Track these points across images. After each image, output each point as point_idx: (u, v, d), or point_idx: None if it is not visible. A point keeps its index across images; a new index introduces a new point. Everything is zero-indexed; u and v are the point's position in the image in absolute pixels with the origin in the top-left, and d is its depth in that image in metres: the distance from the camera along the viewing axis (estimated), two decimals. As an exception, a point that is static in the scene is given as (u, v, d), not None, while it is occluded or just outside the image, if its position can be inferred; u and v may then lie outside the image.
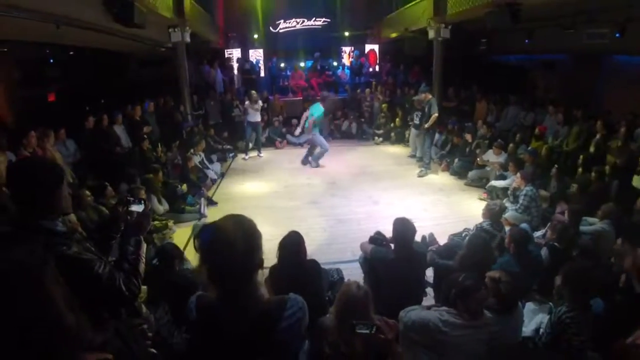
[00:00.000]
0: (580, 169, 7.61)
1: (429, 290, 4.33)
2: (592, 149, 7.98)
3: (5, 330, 1.13)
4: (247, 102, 11.08)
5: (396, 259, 3.77)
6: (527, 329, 3.49)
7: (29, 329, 1.15)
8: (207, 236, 1.52)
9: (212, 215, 7.14)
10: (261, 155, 11.50)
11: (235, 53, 17.55)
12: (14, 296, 1.15)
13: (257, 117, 11.14)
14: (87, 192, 5.72)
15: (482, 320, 2.80)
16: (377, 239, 4.13)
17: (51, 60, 13.13)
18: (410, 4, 13.71)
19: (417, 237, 4.26)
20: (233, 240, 1.49)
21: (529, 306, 3.77)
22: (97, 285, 1.93)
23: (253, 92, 11.36)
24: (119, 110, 9.21)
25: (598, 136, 7.99)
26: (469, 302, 2.72)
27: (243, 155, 11.25)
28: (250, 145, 11.63)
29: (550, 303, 3.72)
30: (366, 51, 18.14)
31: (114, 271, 2.02)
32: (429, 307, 3.13)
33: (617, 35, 8.13)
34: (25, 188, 1.91)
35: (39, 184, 1.91)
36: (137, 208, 2.37)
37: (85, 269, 1.91)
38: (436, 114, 9.07)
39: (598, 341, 3.03)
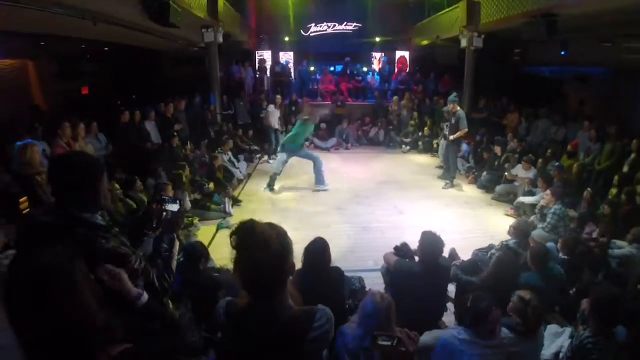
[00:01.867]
0: (614, 190, 7.34)
1: (450, 306, 4.28)
2: (625, 169, 7.75)
3: (37, 330, 1.17)
4: (271, 106, 11.12)
5: (421, 272, 3.73)
6: (547, 352, 3.43)
7: (60, 329, 1.19)
8: (244, 233, 1.55)
9: (237, 214, 7.24)
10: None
11: (266, 55, 17.71)
12: (45, 297, 1.18)
13: (277, 123, 11.24)
14: (117, 186, 5.84)
15: (499, 339, 2.78)
16: (401, 250, 4.10)
17: (87, 56, 13.47)
18: (443, 12, 13.64)
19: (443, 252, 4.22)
20: (268, 240, 1.52)
21: (551, 329, 3.68)
22: (132, 279, 1.99)
23: (278, 96, 11.49)
24: (151, 107, 9.39)
25: (633, 156, 7.76)
26: (484, 324, 2.69)
27: (269, 160, 11.23)
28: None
29: (571, 327, 3.64)
30: (396, 58, 18.08)
31: (148, 266, 2.11)
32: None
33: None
34: (65, 181, 1.95)
35: (81, 178, 1.95)
36: (172, 207, 2.43)
37: (122, 263, 1.98)
38: (466, 130, 8.87)
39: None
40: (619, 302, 3.15)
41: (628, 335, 3.35)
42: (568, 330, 3.68)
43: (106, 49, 13.04)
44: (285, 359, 1.57)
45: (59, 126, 6.66)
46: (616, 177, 7.48)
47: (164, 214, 2.43)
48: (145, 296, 1.76)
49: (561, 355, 3.31)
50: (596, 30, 8.90)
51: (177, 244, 2.35)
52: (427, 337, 2.82)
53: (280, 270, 1.56)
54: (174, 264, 2.27)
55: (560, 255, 5.02)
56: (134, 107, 9.04)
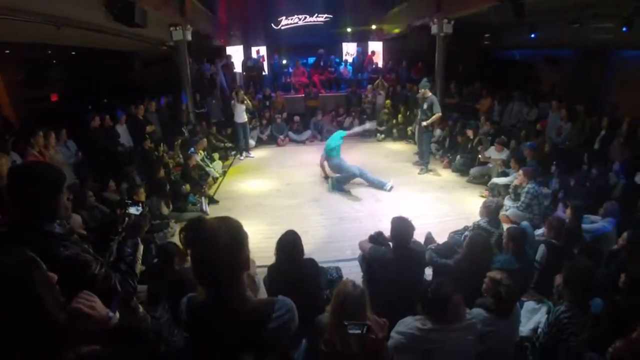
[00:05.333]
0: (585, 167, 7.50)
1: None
2: (596, 146, 7.91)
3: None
4: (232, 101, 10.90)
5: (394, 258, 3.76)
6: (525, 328, 3.48)
7: (20, 329, 1.23)
8: (192, 229, 1.58)
9: (214, 213, 7.13)
10: (251, 155, 11.37)
11: (238, 50, 17.54)
12: (4, 300, 1.22)
13: (242, 118, 10.95)
14: (90, 192, 5.75)
15: (466, 320, 2.79)
16: (376, 239, 4.13)
17: (54, 62, 13.20)
18: (412, -1, 13.67)
19: (419, 236, 4.25)
20: (216, 234, 1.54)
21: (528, 305, 3.74)
22: (93, 285, 1.96)
23: (241, 90, 11.27)
24: (122, 110, 9.22)
25: (603, 132, 7.91)
26: (446, 308, 2.70)
27: (239, 156, 11.19)
28: (253, 143, 11.74)
29: (550, 302, 3.71)
30: (369, 47, 18.07)
31: (109, 272, 2.09)
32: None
33: (624, 29, 7.98)
34: (25, 192, 1.94)
35: (39, 189, 1.94)
36: (134, 210, 2.41)
37: (82, 269, 1.96)
38: (439, 114, 8.88)
39: (596, 341, 3.01)
40: (591, 274, 3.22)
41: (603, 307, 3.43)
42: (545, 307, 3.75)
43: (73, 53, 12.79)
44: (246, 350, 1.58)
45: (30, 135, 6.52)
46: (585, 155, 7.62)
47: (127, 218, 2.41)
48: (116, 315, 1.75)
49: (539, 330, 3.36)
50: (563, 12, 9.00)
51: (141, 247, 2.34)
52: (395, 335, 2.81)
53: (231, 263, 1.56)
54: (138, 268, 2.26)
55: (538, 231, 5.13)
56: (105, 111, 8.86)
